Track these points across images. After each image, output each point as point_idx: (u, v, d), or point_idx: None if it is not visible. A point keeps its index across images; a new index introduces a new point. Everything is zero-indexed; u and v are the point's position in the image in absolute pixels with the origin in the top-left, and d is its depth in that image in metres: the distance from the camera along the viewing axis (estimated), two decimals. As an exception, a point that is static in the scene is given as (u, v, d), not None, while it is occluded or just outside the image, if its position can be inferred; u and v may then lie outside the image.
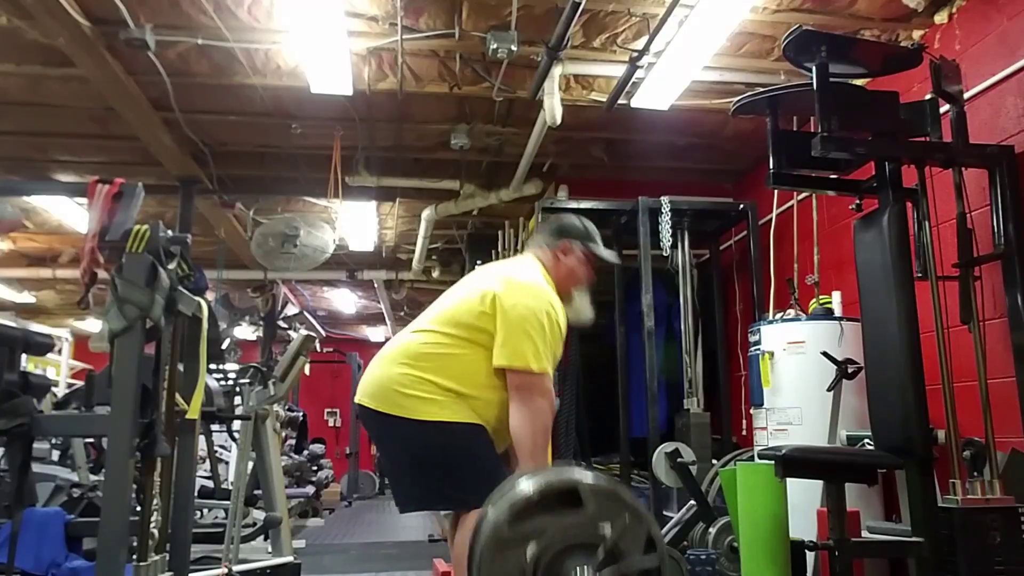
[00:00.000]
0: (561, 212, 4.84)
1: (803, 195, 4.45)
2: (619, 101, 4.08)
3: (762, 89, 2.92)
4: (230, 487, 4.14)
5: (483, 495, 2.18)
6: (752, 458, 3.91)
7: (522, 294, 2.24)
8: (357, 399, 2.32)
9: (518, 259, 2.55)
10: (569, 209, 4.93)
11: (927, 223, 2.71)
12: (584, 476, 1.70)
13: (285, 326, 8.40)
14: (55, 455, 4.60)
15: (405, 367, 2.23)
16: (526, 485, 1.67)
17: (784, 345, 3.67)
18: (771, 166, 2.84)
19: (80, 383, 4.54)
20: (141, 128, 4.53)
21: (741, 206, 4.89)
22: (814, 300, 3.91)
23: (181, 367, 2.17)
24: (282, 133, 4.90)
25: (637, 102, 4.12)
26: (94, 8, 3.47)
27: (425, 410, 2.18)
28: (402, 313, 10.11)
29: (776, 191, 4.58)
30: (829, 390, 3.30)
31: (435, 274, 7.99)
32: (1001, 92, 3.17)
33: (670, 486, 3.93)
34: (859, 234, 2.73)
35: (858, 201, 2.86)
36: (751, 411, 3.94)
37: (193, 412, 2.17)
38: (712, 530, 3.64)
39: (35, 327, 7.90)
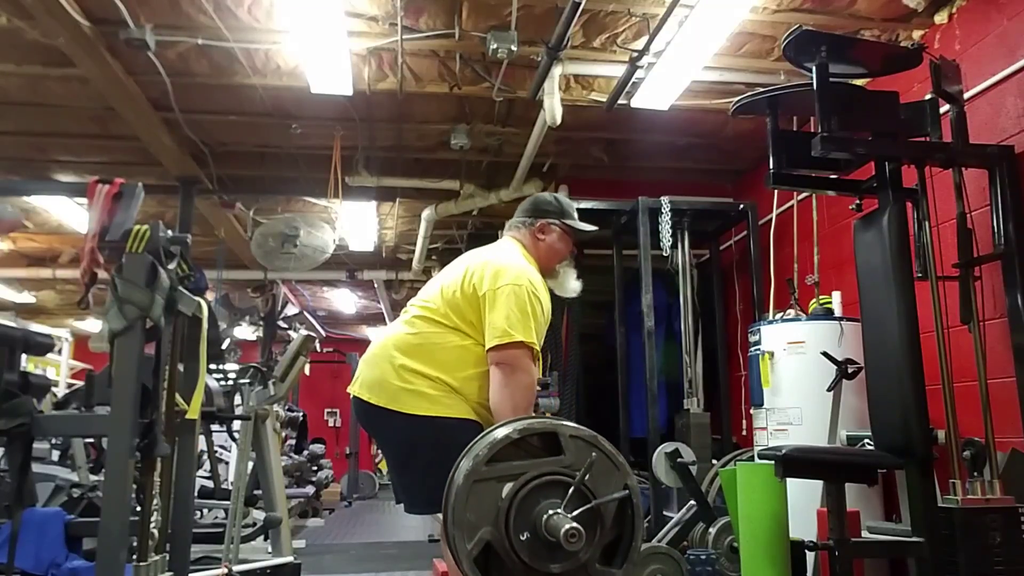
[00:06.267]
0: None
1: (803, 195, 4.45)
2: (619, 101, 4.08)
3: (762, 89, 2.92)
4: (230, 487, 4.14)
5: None
6: (752, 458, 3.91)
7: (504, 276, 2.24)
8: (352, 391, 2.33)
9: (497, 244, 2.54)
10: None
11: (927, 223, 2.71)
12: (565, 423, 1.71)
13: (285, 326, 8.39)
14: (55, 455, 4.61)
15: (395, 360, 2.24)
16: (506, 428, 1.68)
17: (784, 345, 3.67)
18: (771, 166, 2.84)
19: (80, 383, 4.54)
20: (141, 128, 4.53)
21: (741, 206, 4.90)
22: (814, 300, 3.91)
23: (181, 367, 2.17)
24: (282, 133, 4.90)
25: (637, 102, 4.12)
26: (94, 8, 3.47)
27: (416, 404, 2.19)
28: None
29: (776, 191, 4.58)
30: (829, 390, 3.30)
31: (435, 274, 7.98)
32: (1001, 92, 3.17)
33: (670, 486, 3.93)
34: (859, 234, 2.73)
35: (858, 201, 2.86)
36: (751, 411, 3.94)
37: (193, 412, 2.17)
38: (712, 530, 3.64)
39: (35, 327, 7.90)
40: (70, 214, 6.17)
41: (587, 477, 1.61)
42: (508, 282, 2.22)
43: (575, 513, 1.58)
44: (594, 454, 1.64)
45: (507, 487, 1.59)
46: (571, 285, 2.53)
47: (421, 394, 2.19)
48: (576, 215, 2.54)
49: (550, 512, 1.58)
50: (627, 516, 1.66)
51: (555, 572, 1.58)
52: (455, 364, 2.23)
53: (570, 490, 1.60)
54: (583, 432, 1.68)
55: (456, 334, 2.25)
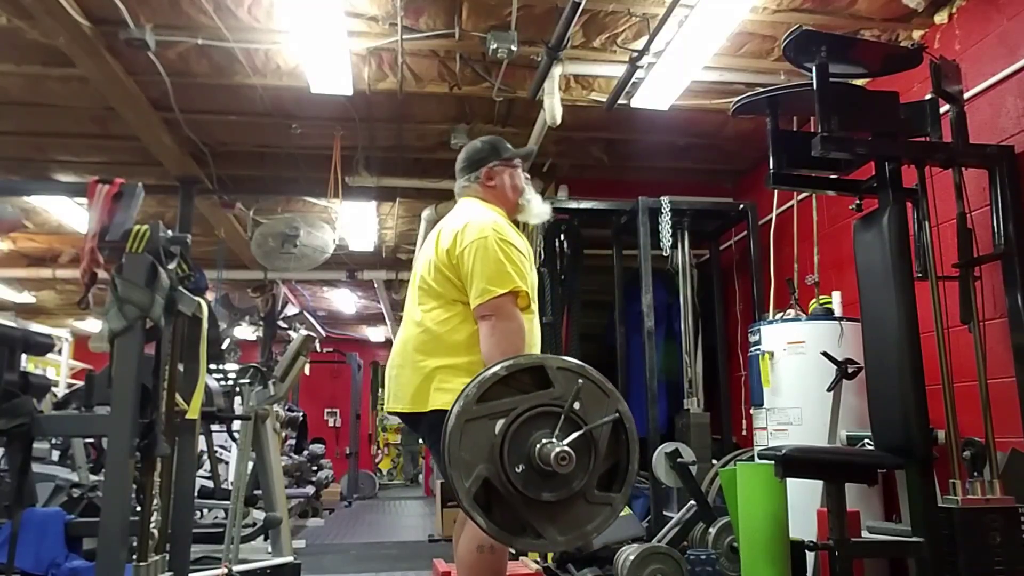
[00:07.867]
0: (558, 211, 4.90)
1: (803, 195, 4.45)
2: (619, 101, 4.09)
3: (762, 89, 2.92)
4: (230, 487, 4.14)
5: None
6: (752, 458, 3.92)
7: (467, 234, 2.24)
8: (387, 408, 2.35)
9: (454, 209, 2.53)
10: (569, 209, 4.95)
11: (927, 223, 2.71)
12: (551, 357, 1.75)
13: (285, 326, 8.38)
14: (55, 455, 4.60)
15: (419, 362, 2.26)
16: (494, 367, 1.71)
17: (784, 345, 3.67)
18: (771, 166, 2.84)
19: (80, 383, 4.54)
20: (141, 128, 4.53)
21: (741, 206, 4.90)
22: (814, 300, 3.91)
23: (181, 367, 2.17)
24: (282, 133, 4.89)
25: (637, 102, 4.12)
26: (94, 8, 3.47)
27: (439, 399, 2.19)
28: (402, 313, 10.10)
29: (776, 191, 4.58)
30: (829, 390, 3.30)
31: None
32: (1001, 92, 3.17)
33: (670, 486, 3.93)
34: (859, 234, 2.73)
35: (858, 201, 2.86)
36: (751, 411, 3.94)
37: (193, 412, 2.17)
38: (712, 530, 3.64)
39: (35, 327, 7.90)
40: (70, 214, 6.17)
41: (577, 405, 1.65)
42: (473, 239, 2.22)
43: (567, 440, 1.61)
44: (580, 381, 1.67)
45: (499, 423, 1.62)
46: (539, 210, 2.54)
47: (444, 390, 2.20)
48: (508, 144, 2.53)
49: (543, 441, 1.61)
50: (621, 441, 1.71)
51: (552, 500, 1.62)
52: (474, 342, 2.22)
53: (560, 418, 1.62)
54: (570, 363, 1.71)
55: (458, 310, 2.25)
